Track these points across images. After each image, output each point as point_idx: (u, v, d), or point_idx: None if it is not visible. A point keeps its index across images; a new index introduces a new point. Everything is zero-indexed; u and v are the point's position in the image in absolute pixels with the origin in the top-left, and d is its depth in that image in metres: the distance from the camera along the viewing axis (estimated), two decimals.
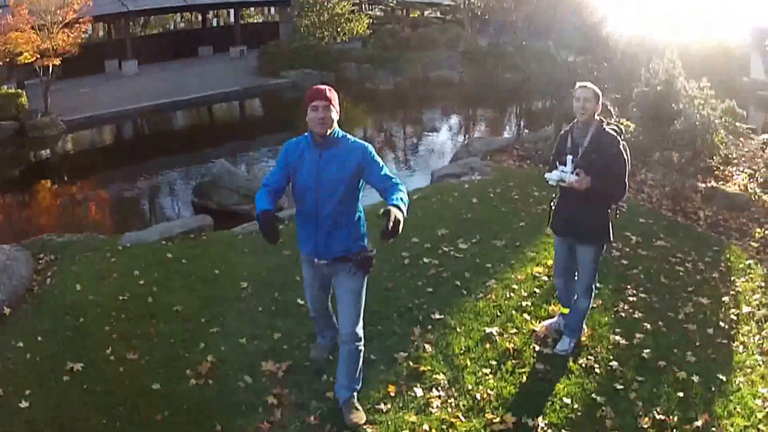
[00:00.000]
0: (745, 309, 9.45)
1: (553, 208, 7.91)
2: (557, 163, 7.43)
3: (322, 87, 6.24)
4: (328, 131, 6.17)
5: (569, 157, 7.26)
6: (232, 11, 52.63)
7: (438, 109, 35.10)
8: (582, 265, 7.70)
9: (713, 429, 6.71)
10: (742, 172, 17.12)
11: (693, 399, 7.17)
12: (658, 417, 6.80)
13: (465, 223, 12.31)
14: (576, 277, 7.93)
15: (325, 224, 6.32)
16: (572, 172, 7.20)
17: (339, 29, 43.01)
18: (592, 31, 36.45)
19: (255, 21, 64.90)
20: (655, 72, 20.32)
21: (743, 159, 18.29)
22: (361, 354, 6.67)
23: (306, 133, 6.36)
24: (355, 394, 6.76)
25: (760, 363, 7.99)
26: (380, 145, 26.64)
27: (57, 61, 29.68)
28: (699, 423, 6.73)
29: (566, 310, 8.17)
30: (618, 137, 7.27)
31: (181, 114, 34.75)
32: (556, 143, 7.83)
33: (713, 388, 7.38)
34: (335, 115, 6.19)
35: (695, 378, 7.47)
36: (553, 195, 7.99)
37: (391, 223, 5.68)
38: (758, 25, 21.52)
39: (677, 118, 17.43)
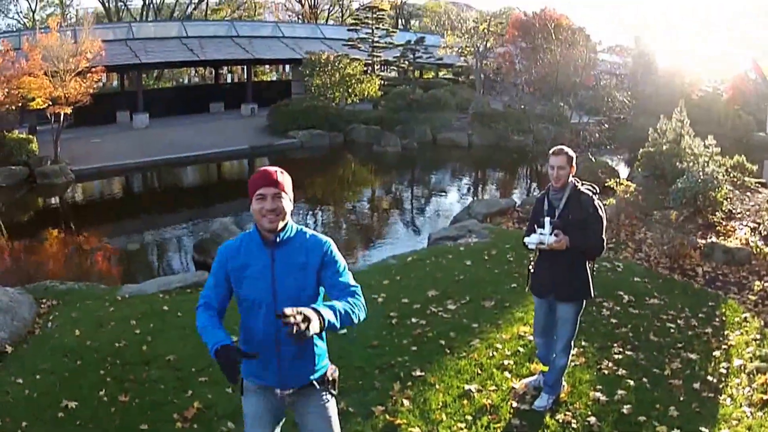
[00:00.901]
0: (737, 362, 9.37)
1: (532, 270, 7.98)
2: (535, 226, 7.52)
3: (271, 169, 4.93)
4: (280, 225, 4.90)
5: (547, 219, 7.36)
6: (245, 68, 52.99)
7: (444, 171, 35.17)
8: (562, 322, 7.76)
9: None
10: (745, 226, 17.18)
11: None
12: None
13: (456, 285, 12.39)
14: (555, 336, 7.96)
15: (290, 347, 4.93)
16: (550, 233, 7.28)
17: (350, 90, 43.25)
18: (604, 92, 36.76)
19: (269, 79, 65.46)
20: (663, 131, 20.42)
21: (747, 213, 18.34)
22: None
23: (249, 231, 5.13)
24: None
25: (748, 415, 7.91)
26: (385, 207, 26.75)
27: (68, 110, 30.07)
28: None
29: (546, 368, 8.21)
30: (593, 196, 7.45)
31: (189, 170, 35.01)
32: (532, 208, 7.96)
33: None
34: (288, 205, 4.90)
35: None
36: (531, 257, 8.10)
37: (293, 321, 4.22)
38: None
39: (680, 177, 17.49)
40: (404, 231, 22.49)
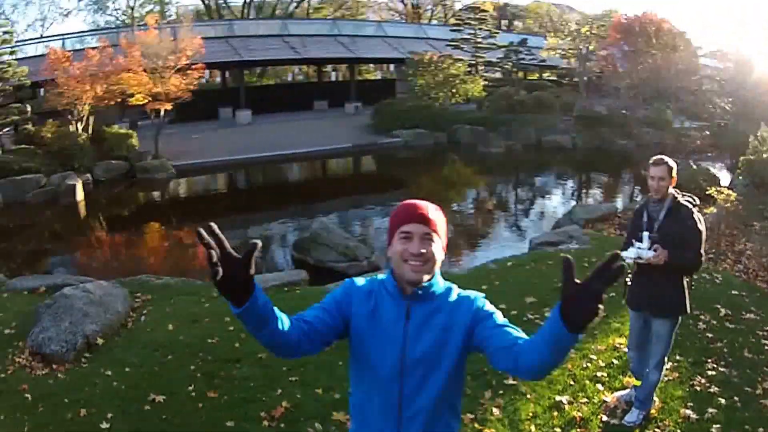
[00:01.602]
0: None
1: (629, 283, 7.76)
2: (632, 240, 7.33)
3: (421, 203, 3.83)
4: (426, 278, 3.72)
5: (645, 234, 7.16)
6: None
7: (548, 174, 34.86)
8: (657, 337, 7.56)
9: None
10: None
11: None
12: None
13: (554, 292, 11.96)
14: (649, 351, 7.77)
15: (413, 428, 3.82)
16: (649, 248, 7.08)
17: (453, 90, 43.20)
18: (705, 97, 36.10)
19: (373, 78, 65.48)
20: (764, 139, 19.96)
21: None
22: None
23: (383, 276, 3.95)
24: None
25: None
26: (488, 209, 26.76)
27: (168, 106, 30.80)
28: None
29: (639, 383, 8.04)
30: (693, 208, 7.22)
31: (291, 167, 35.41)
32: (630, 220, 7.82)
33: None
34: (440, 253, 3.75)
35: None
36: (628, 270, 7.78)
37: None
38: None
39: None
40: (507, 234, 22.43)
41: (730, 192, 18.37)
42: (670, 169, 7.16)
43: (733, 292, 12.58)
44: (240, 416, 7.80)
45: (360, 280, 3.98)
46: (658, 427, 7.69)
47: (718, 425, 7.73)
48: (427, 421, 3.79)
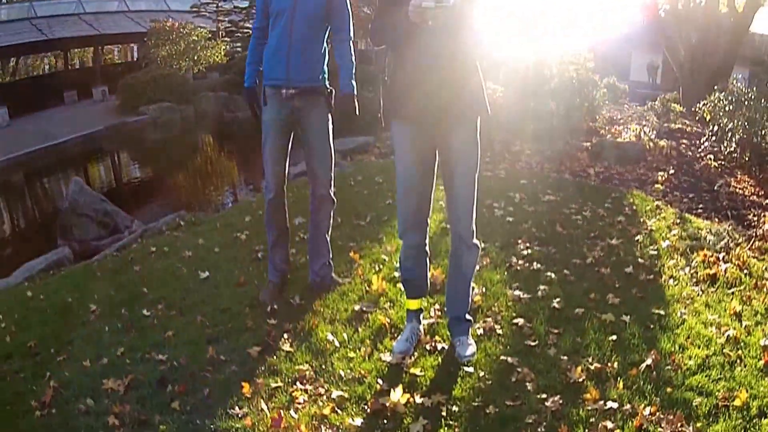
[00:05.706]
0: (665, 243, 8.39)
1: (388, 81, 5.03)
2: None
3: None
4: None
5: None
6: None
7: None
8: (464, 158, 5.02)
9: (667, 367, 5.36)
10: (630, 128, 16.47)
11: (631, 341, 5.88)
12: (592, 367, 5.38)
13: None
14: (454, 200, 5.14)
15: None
16: None
17: (196, 57, 42.64)
18: None
19: (119, 62, 64.21)
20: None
21: (630, 119, 17.91)
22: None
23: None
24: None
25: (699, 293, 6.89)
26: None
27: None
28: (648, 362, 5.34)
29: (416, 304, 5.70)
30: None
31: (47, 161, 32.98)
32: None
33: (652, 326, 6.15)
34: None
35: (626, 318, 6.22)
36: (386, 61, 5.04)
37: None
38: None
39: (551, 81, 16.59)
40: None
41: (496, 87, 17.87)
42: None
43: (522, 181, 12.01)
44: (12, 414, 6.20)
45: None
46: (488, 315, 6.45)
47: (557, 299, 6.68)
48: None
